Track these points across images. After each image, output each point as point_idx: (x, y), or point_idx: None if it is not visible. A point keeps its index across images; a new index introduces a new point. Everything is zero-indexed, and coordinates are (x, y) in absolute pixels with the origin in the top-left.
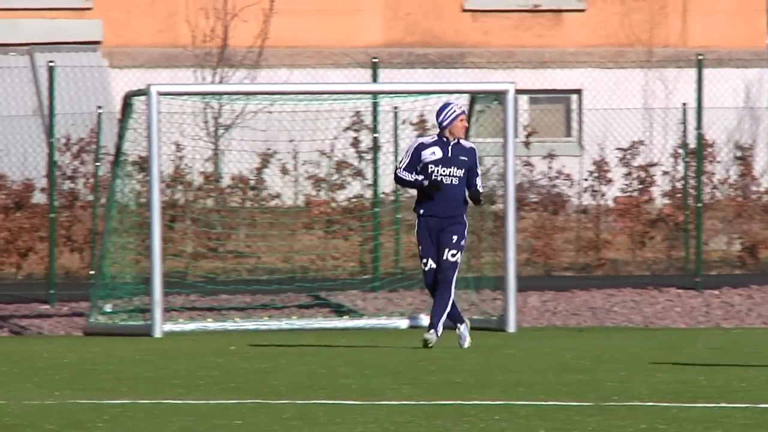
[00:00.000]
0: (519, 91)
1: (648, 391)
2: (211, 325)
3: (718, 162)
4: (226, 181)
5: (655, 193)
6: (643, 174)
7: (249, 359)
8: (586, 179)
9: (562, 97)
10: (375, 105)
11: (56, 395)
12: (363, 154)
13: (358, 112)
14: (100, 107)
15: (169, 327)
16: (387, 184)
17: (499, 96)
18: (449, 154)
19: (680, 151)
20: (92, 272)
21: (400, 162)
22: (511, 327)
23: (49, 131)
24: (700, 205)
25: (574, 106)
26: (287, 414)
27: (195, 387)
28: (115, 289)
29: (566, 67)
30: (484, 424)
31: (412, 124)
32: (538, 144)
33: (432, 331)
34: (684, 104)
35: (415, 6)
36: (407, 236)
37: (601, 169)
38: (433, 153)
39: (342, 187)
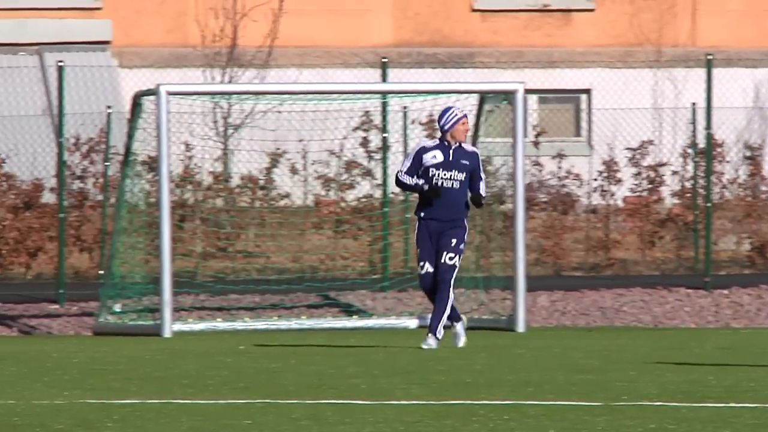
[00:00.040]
0: (528, 91)
1: (657, 390)
2: (220, 324)
3: (728, 162)
4: (235, 181)
5: (664, 193)
6: (652, 174)
7: (258, 359)
8: (595, 179)
9: (571, 96)
10: (384, 105)
11: (65, 395)
12: (372, 154)
13: (367, 111)
14: (109, 107)
15: (178, 327)
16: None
17: (508, 96)
18: (450, 158)
19: (689, 150)
20: (101, 272)
21: (402, 165)
22: (521, 327)
23: (59, 131)
24: (709, 204)
25: (584, 105)
26: (296, 414)
27: (204, 387)
28: (125, 288)
29: (575, 66)
30: (493, 424)
31: (421, 123)
32: (548, 144)
33: (430, 335)
34: (693, 104)
35: (424, 6)
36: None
37: (610, 168)
38: (434, 156)
39: (351, 186)
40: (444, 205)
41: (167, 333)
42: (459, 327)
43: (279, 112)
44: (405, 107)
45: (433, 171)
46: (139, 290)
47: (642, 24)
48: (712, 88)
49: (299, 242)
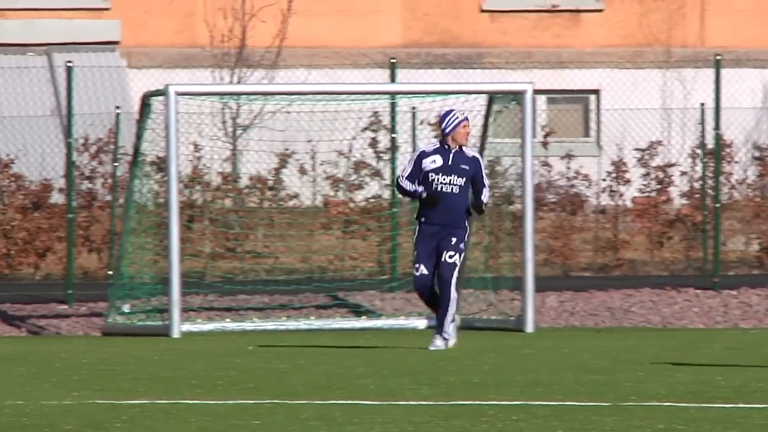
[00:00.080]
0: (537, 92)
1: (666, 391)
2: (229, 325)
3: (736, 162)
4: (244, 182)
5: (673, 194)
6: (661, 174)
7: (267, 359)
8: (604, 179)
9: (580, 97)
10: (393, 105)
11: (74, 395)
12: (381, 155)
13: (376, 112)
14: (118, 107)
15: (187, 327)
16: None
17: (517, 96)
18: (450, 162)
19: (698, 151)
20: (110, 272)
21: (403, 170)
22: (529, 327)
23: (67, 131)
24: (718, 205)
25: (593, 106)
26: (305, 414)
27: (213, 387)
28: (134, 289)
29: (584, 67)
30: (502, 425)
31: (430, 124)
32: (556, 144)
33: (437, 335)
34: (702, 104)
35: (433, 6)
36: None
37: (619, 169)
38: (433, 161)
39: (360, 187)
40: (444, 210)
41: (176, 333)
42: (451, 328)
43: (288, 112)
44: (414, 108)
45: (432, 176)
46: (148, 291)
47: (651, 24)
48: (720, 88)
49: (308, 243)
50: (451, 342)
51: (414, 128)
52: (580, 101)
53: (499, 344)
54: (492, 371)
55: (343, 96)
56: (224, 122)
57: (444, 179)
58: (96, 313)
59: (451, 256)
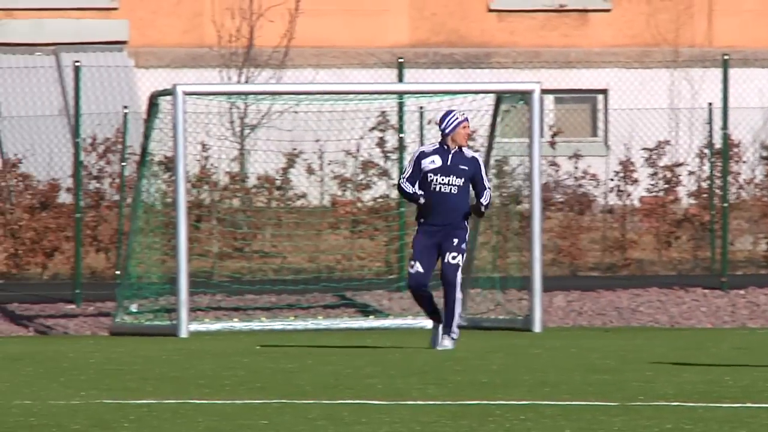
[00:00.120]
0: (545, 91)
1: (674, 391)
2: (236, 325)
3: (744, 162)
4: (251, 181)
5: (680, 193)
6: (668, 174)
7: (275, 359)
8: (611, 179)
9: (587, 96)
10: (401, 105)
11: (82, 395)
12: (389, 154)
13: (383, 112)
14: (125, 107)
15: (194, 327)
16: None
17: (524, 96)
18: (449, 163)
19: (706, 151)
20: (118, 272)
21: (404, 172)
22: (537, 327)
23: (75, 131)
24: (725, 205)
25: (600, 106)
26: (313, 414)
27: (221, 387)
28: (141, 289)
29: (592, 67)
30: (509, 424)
31: (437, 124)
32: (564, 144)
33: (445, 336)
34: (710, 104)
35: (440, 6)
36: None
37: (626, 169)
38: (432, 162)
39: (368, 187)
40: (443, 210)
41: (183, 333)
42: (441, 329)
43: (295, 112)
44: (421, 107)
45: (431, 176)
46: (156, 290)
47: (659, 24)
48: (728, 88)
49: (316, 242)
50: (438, 346)
51: (422, 128)
52: (587, 101)
53: (506, 344)
54: (500, 371)
55: (351, 96)
56: (232, 122)
57: (443, 179)
58: (104, 312)
59: (454, 257)
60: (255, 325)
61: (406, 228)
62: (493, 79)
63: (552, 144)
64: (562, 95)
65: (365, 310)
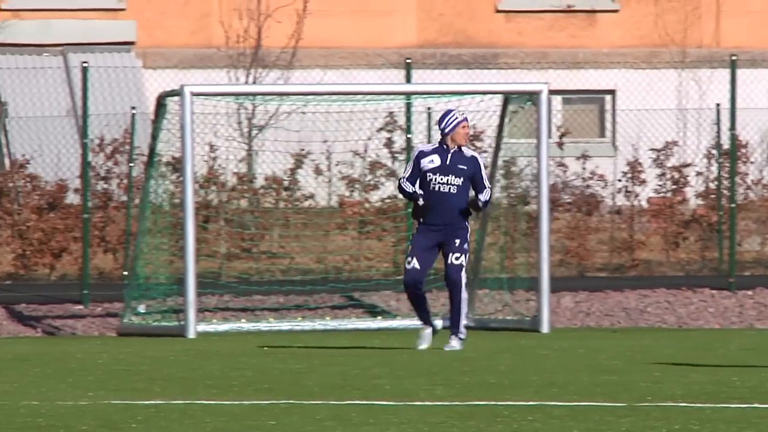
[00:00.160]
0: (552, 92)
1: (681, 391)
2: (244, 325)
3: (752, 162)
4: (259, 182)
5: (688, 194)
6: (676, 175)
7: (282, 360)
8: (619, 180)
9: (595, 97)
10: (408, 106)
11: (90, 396)
12: (396, 155)
13: (391, 112)
14: (133, 108)
15: (202, 328)
16: None
17: (532, 96)
18: (447, 162)
19: (714, 151)
20: (126, 273)
21: (404, 171)
22: (545, 328)
23: (83, 132)
24: (733, 205)
25: (608, 106)
26: (321, 414)
27: (228, 388)
28: (149, 289)
29: (600, 67)
30: (517, 425)
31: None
32: (572, 145)
33: (452, 336)
34: (717, 105)
35: (448, 7)
36: None
37: (634, 169)
38: (431, 161)
39: (375, 187)
40: (442, 210)
41: (191, 334)
42: (428, 332)
43: (303, 113)
44: (429, 108)
45: (430, 176)
46: (164, 291)
47: (666, 25)
48: (736, 88)
49: (323, 243)
50: (422, 346)
51: (429, 128)
52: (595, 101)
53: (514, 345)
54: (507, 372)
55: (359, 96)
56: (240, 123)
57: (441, 179)
58: (111, 313)
59: (457, 258)
60: (263, 325)
61: (413, 229)
62: (500, 79)
63: (560, 145)
64: (569, 96)
65: (373, 311)
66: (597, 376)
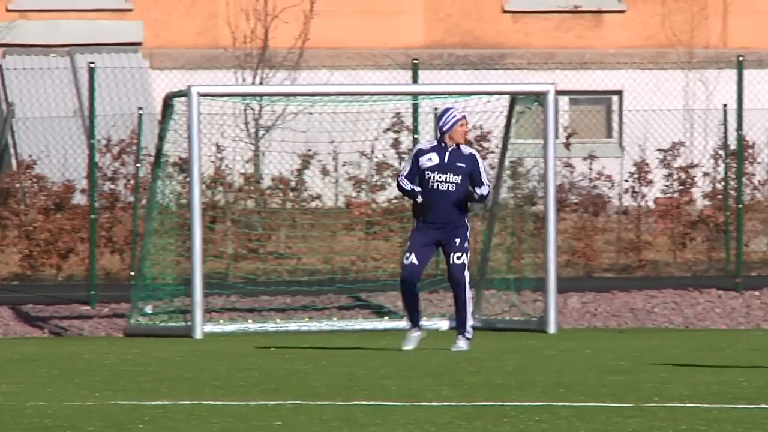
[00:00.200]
0: (559, 92)
1: (688, 392)
2: (251, 326)
3: (759, 163)
4: (266, 183)
5: (695, 195)
6: (683, 175)
7: (289, 360)
8: (626, 180)
9: (602, 98)
10: (415, 106)
11: (97, 396)
12: (403, 156)
13: (398, 113)
14: (140, 108)
15: (209, 328)
16: None
17: (539, 97)
18: (446, 160)
19: (721, 152)
20: (133, 273)
21: (403, 169)
22: (552, 328)
23: (90, 132)
24: (740, 206)
25: (615, 107)
26: (327, 415)
27: (235, 388)
28: (156, 290)
29: (607, 68)
30: (524, 426)
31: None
32: (579, 145)
33: (459, 336)
34: (724, 105)
35: (455, 7)
36: None
37: (641, 170)
38: (429, 159)
39: (382, 188)
40: (441, 208)
41: (198, 334)
42: (414, 334)
43: (310, 113)
44: (436, 109)
45: (428, 174)
46: (170, 292)
47: (673, 25)
48: (743, 89)
49: (330, 243)
50: (407, 346)
51: (436, 129)
52: (602, 102)
53: (521, 345)
54: (514, 372)
55: (366, 97)
56: (246, 123)
57: (440, 177)
58: (118, 314)
59: (458, 258)
60: (270, 326)
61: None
62: (507, 80)
63: (567, 145)
64: (576, 96)
65: (380, 312)
66: (604, 376)
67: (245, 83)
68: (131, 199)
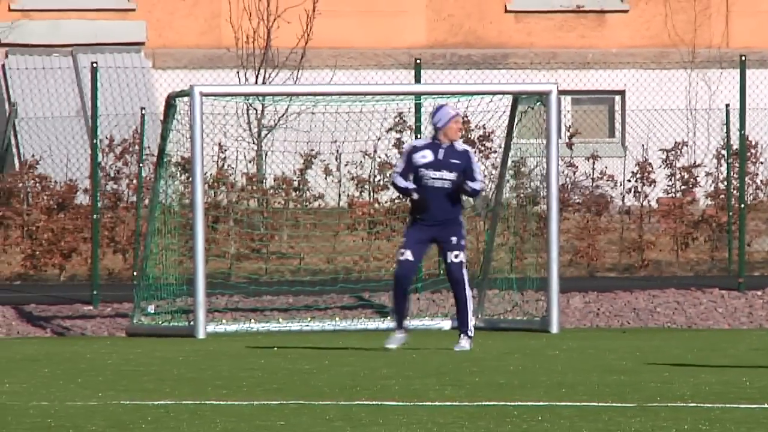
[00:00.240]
0: (562, 92)
1: (691, 392)
2: (254, 326)
3: (761, 163)
4: (269, 182)
5: (698, 194)
6: (686, 175)
7: (292, 360)
8: (629, 180)
9: (605, 98)
10: (418, 106)
11: (99, 396)
12: None
13: (400, 113)
14: (143, 108)
15: (212, 328)
16: None
17: (542, 97)
18: (440, 157)
19: (723, 152)
20: (135, 273)
21: (396, 166)
22: (554, 328)
23: (92, 132)
24: (743, 206)
25: (618, 107)
26: (330, 415)
27: (238, 388)
28: (158, 290)
29: (609, 68)
30: (527, 425)
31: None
32: (581, 145)
33: (462, 336)
34: (727, 105)
35: (458, 7)
36: None
37: (644, 170)
38: (423, 156)
39: (385, 188)
40: (436, 206)
41: (201, 334)
42: (398, 335)
43: (313, 113)
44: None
45: (422, 171)
46: (173, 291)
47: (676, 25)
48: (745, 89)
49: (333, 243)
50: (391, 345)
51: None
52: (605, 102)
53: (523, 345)
54: (517, 372)
55: (368, 97)
56: (249, 123)
57: (434, 174)
58: (121, 314)
59: (456, 256)
60: (272, 326)
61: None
62: (510, 80)
63: (569, 145)
64: (579, 96)
65: (382, 311)
66: (606, 376)
67: (248, 83)
68: (134, 198)
